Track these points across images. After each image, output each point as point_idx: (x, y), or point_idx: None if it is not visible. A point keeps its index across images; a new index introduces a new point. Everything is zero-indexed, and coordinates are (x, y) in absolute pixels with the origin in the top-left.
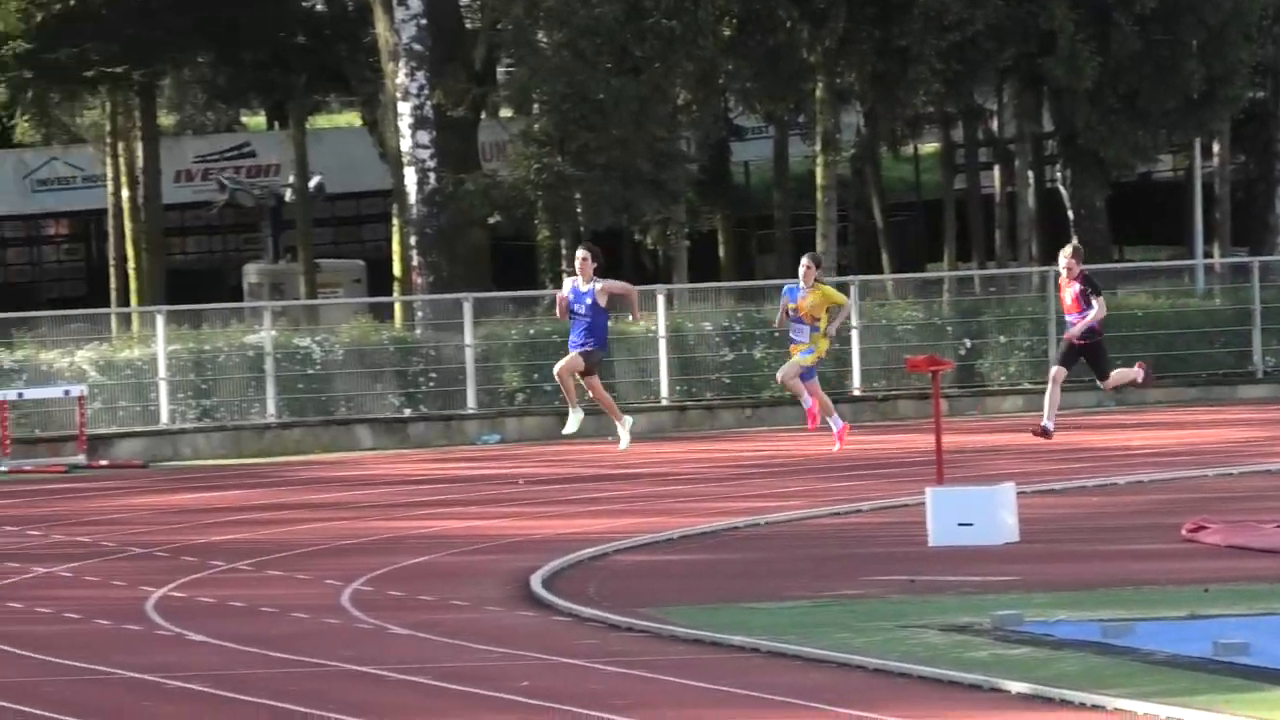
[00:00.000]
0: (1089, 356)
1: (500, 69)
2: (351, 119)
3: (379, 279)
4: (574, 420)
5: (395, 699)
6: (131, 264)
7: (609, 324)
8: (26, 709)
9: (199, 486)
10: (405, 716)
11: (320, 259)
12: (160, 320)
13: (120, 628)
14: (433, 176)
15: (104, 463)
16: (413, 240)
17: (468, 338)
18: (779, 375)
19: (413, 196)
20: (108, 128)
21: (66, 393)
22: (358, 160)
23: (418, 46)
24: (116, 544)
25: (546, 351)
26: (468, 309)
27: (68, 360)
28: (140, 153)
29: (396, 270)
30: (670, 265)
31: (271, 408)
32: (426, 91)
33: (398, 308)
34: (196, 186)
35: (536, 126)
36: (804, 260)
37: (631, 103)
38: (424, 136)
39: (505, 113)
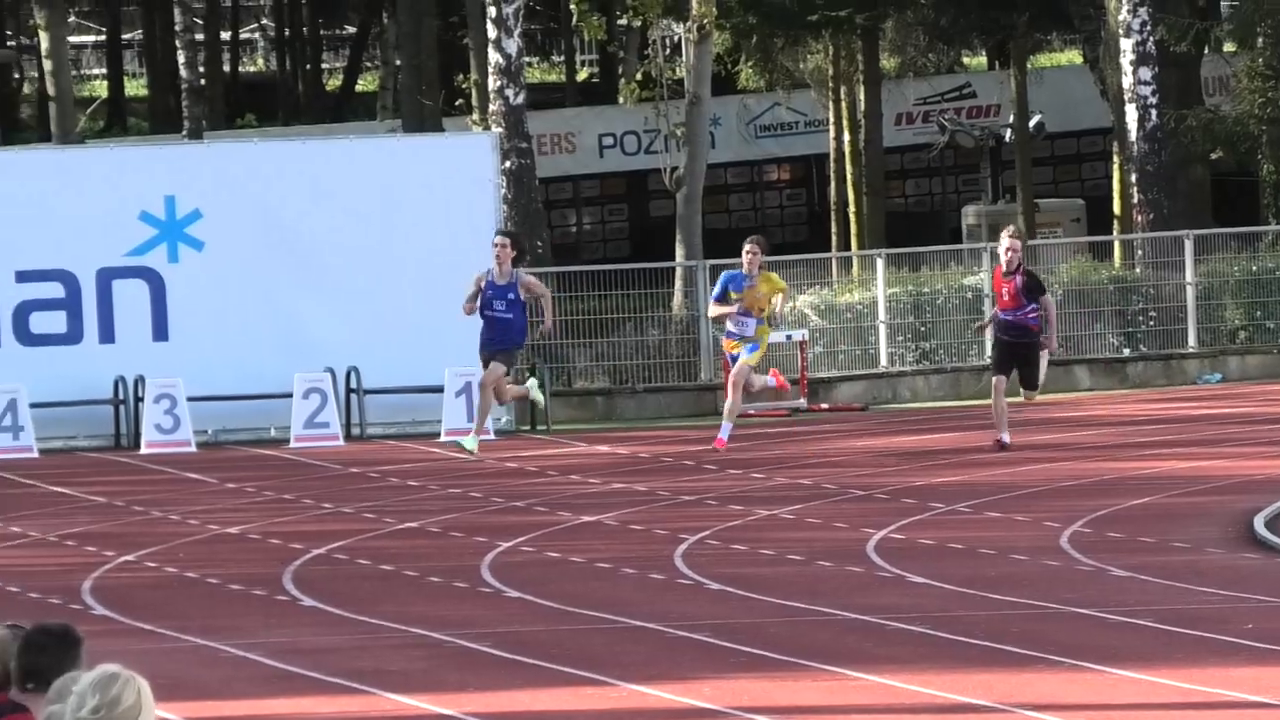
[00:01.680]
0: (1027, 361)
1: (1224, 3)
2: (1072, 57)
3: (1098, 218)
4: (475, 441)
5: (1116, 641)
6: (852, 208)
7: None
8: (753, 650)
9: (918, 429)
10: (1126, 659)
11: (1039, 199)
12: (880, 264)
13: (842, 569)
14: (1154, 113)
15: (824, 406)
16: (1133, 178)
17: (1189, 275)
18: (731, 381)
19: (1133, 134)
20: (830, 72)
21: (789, 337)
22: (1077, 98)
23: None
24: (837, 486)
25: (1270, 288)
26: (1189, 246)
27: (789, 305)
28: (862, 96)
29: (1116, 208)
30: None
31: (988, 349)
32: (1149, 27)
33: (1117, 246)
34: (917, 129)
35: (1260, 60)
36: (747, 245)
37: None
38: (1145, 73)
39: (1229, 47)
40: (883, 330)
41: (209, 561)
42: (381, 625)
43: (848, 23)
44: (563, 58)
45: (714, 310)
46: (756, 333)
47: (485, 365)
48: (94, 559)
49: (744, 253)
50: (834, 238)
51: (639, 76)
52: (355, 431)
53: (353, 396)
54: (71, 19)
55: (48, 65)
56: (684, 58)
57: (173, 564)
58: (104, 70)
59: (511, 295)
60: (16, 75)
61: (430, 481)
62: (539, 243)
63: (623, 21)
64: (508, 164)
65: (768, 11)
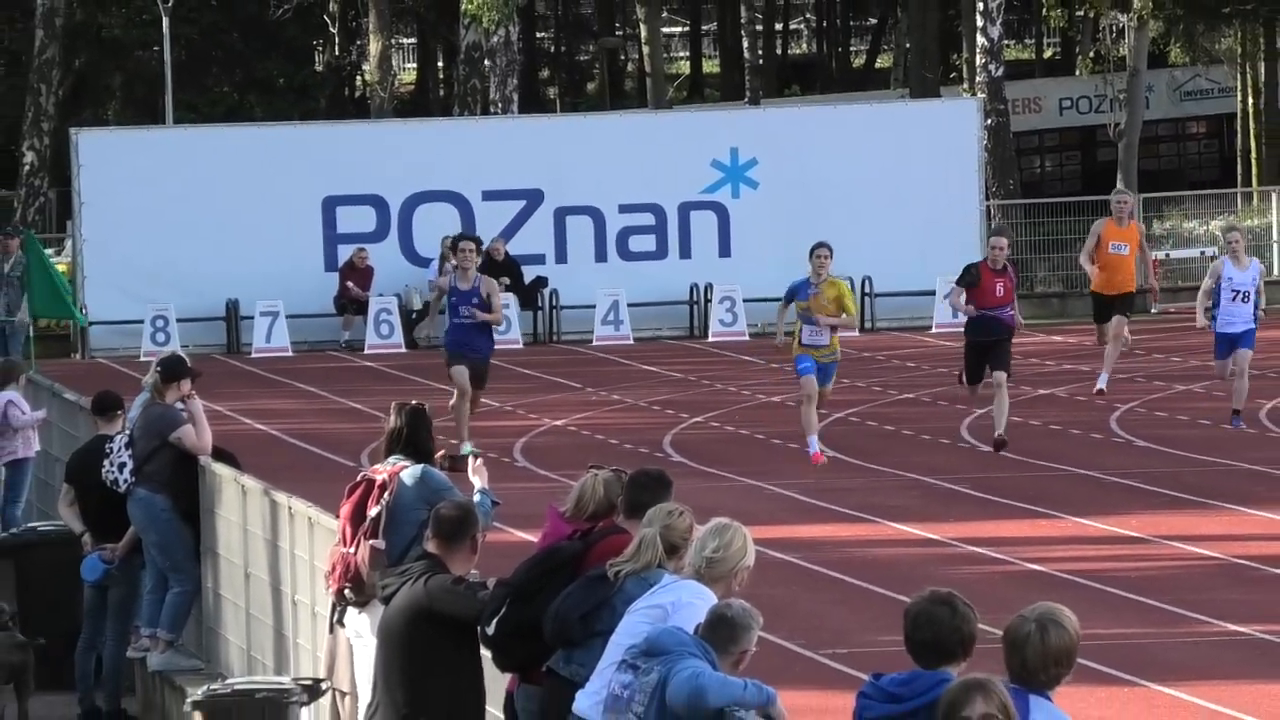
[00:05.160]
0: (998, 353)
1: None
2: None
3: None
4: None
5: None
6: (1254, 155)
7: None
8: (1172, 492)
9: None
10: None
11: None
12: (1275, 197)
13: (1241, 432)
14: None
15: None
16: None
17: None
18: (808, 399)
19: None
20: (1238, 51)
21: (1202, 253)
22: None
23: None
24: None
25: None
26: None
27: (1203, 228)
28: (1262, 69)
29: None
30: None
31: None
32: None
33: None
34: None
35: None
36: (817, 250)
37: None
38: None
39: None
40: (1276, 249)
41: (756, 422)
42: (885, 471)
43: (1253, 13)
44: (1033, 40)
45: (778, 320)
46: (832, 343)
47: (459, 362)
48: (672, 420)
49: (812, 257)
50: (1239, 177)
51: (1092, 54)
52: (868, 325)
53: (867, 299)
54: (664, 14)
55: (645, 50)
56: (1126, 40)
57: (730, 424)
58: (687, 53)
59: (476, 300)
60: (622, 57)
61: (923, 363)
62: (1011, 181)
63: (1080, 12)
64: (989, 122)
65: (1192, 4)
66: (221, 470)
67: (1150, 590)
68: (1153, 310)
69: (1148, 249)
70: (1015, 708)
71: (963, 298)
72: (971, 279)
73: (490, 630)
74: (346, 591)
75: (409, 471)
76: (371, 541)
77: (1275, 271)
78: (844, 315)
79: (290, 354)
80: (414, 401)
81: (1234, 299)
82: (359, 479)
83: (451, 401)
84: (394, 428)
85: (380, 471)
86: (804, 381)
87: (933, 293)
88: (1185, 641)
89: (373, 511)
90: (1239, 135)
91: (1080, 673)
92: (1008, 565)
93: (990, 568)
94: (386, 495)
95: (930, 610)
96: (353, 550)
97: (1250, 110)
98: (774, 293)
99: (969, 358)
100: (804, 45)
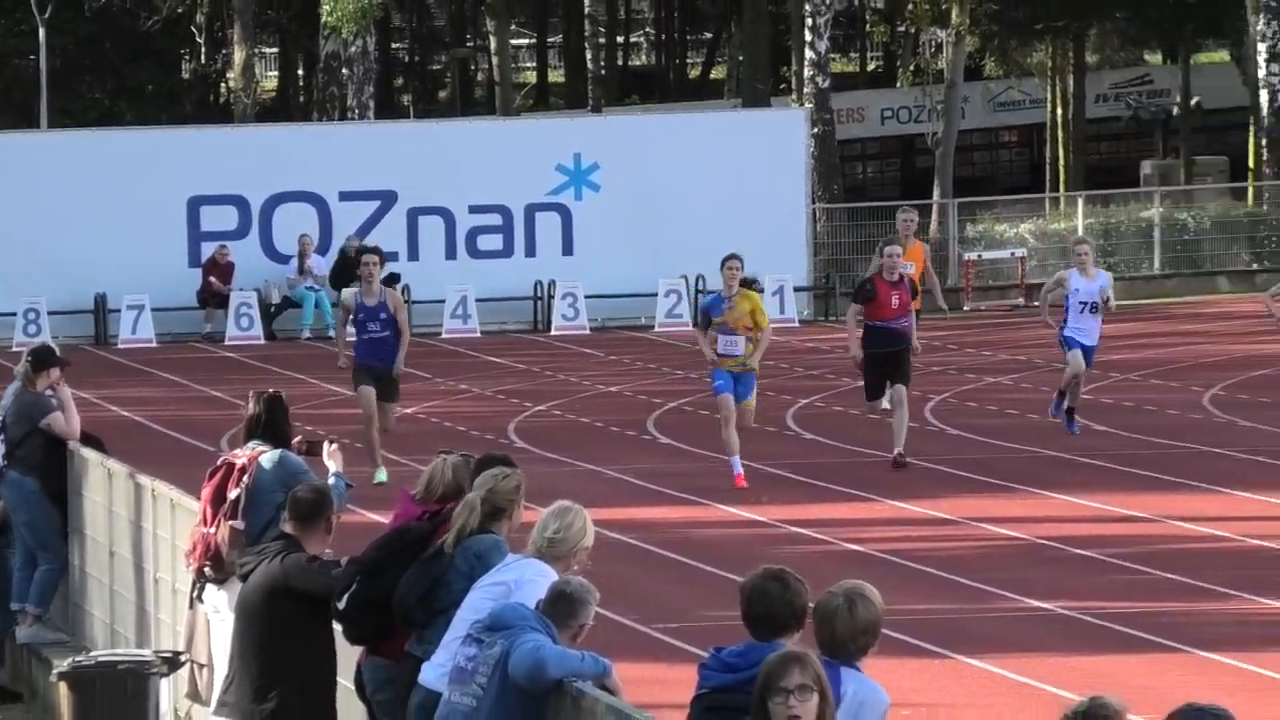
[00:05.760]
0: (899, 366)
1: None
2: (1223, 55)
3: (1239, 171)
4: (384, 472)
5: (1238, 471)
6: (1061, 162)
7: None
8: (980, 477)
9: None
10: (1248, 484)
11: (1196, 156)
12: (1080, 202)
13: (1046, 421)
14: (1279, 96)
15: (1037, 304)
16: (1263, 142)
17: None
18: (727, 421)
19: (1265, 111)
20: (1049, 65)
21: (1012, 254)
22: (1226, 85)
23: (1274, 3)
24: (1045, 361)
25: None
26: None
27: (1014, 231)
28: (1071, 82)
29: (1250, 163)
30: None
31: (1157, 264)
32: (1278, 35)
33: (1250, 190)
34: (1110, 105)
35: None
36: (728, 262)
37: None
38: (1276, 67)
39: None
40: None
41: (596, 411)
42: (714, 457)
43: (1063, 30)
44: (857, 54)
45: (702, 343)
46: (747, 351)
47: (365, 382)
48: (516, 408)
49: (724, 269)
50: (1047, 183)
51: (912, 67)
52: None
53: (699, 295)
54: (512, 26)
55: (495, 60)
56: (945, 54)
57: (571, 412)
58: (534, 63)
59: (384, 315)
60: (472, 67)
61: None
62: (836, 185)
63: (901, 28)
64: (816, 130)
65: (1006, 21)
66: (89, 454)
67: (959, 568)
68: (965, 307)
69: (932, 271)
70: (829, 679)
71: (856, 335)
72: (867, 294)
73: (341, 605)
74: (206, 569)
75: (267, 456)
76: (231, 522)
77: None
78: (759, 332)
79: (155, 345)
80: (272, 389)
81: (1083, 310)
82: (219, 463)
83: (361, 427)
84: (253, 414)
85: (240, 456)
86: (720, 401)
87: (762, 290)
88: (991, 616)
89: (232, 494)
90: (1048, 144)
91: (893, 645)
92: (827, 545)
93: (811, 547)
94: (246, 478)
95: (763, 586)
96: (213, 530)
97: (1059, 120)
98: (613, 289)
99: (869, 372)
100: (644, 57)
